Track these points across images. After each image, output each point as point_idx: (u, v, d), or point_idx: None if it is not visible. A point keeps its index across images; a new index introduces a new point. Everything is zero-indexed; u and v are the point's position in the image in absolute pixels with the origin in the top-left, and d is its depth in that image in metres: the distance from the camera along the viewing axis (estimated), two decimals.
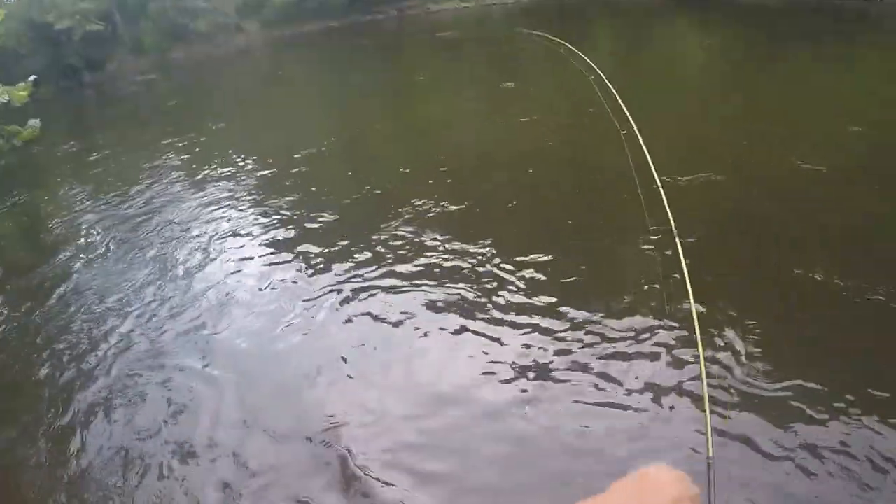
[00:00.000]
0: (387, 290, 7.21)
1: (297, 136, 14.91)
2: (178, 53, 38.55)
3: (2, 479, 5.67)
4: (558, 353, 5.60)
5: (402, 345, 6.23)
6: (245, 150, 14.56)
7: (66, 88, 34.13)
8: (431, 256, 7.75)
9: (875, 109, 11.09)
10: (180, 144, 16.22)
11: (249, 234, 9.63)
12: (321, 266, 8.10)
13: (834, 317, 5.64)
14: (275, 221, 9.93)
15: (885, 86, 12.62)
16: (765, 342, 5.28)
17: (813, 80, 13.84)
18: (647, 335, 5.61)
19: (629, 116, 7.81)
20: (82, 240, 10.84)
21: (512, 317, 6.28)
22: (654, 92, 13.75)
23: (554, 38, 13.29)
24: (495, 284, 6.88)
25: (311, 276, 7.91)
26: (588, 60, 10.44)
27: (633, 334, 5.66)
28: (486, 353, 5.79)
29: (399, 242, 8.26)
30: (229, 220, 10.31)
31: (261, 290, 7.83)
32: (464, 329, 6.23)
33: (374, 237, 8.51)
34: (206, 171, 13.37)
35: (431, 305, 6.72)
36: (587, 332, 5.79)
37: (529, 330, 6.00)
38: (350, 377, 5.87)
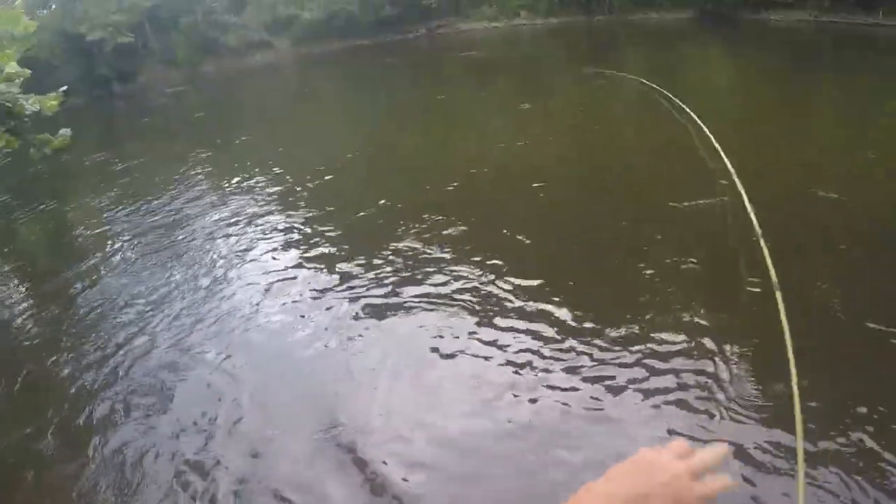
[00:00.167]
0: (420, 303, 7.42)
1: (318, 151, 15.29)
2: (208, 67, 39.44)
3: (24, 472, 5.98)
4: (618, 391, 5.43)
5: (431, 358, 6.38)
6: (268, 163, 14.96)
7: (97, 99, 35.01)
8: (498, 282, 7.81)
9: None
10: (206, 156, 16.68)
11: (268, 245, 9.94)
12: (337, 276, 8.35)
13: None
14: (293, 233, 10.27)
15: None
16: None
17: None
18: (743, 401, 5.01)
19: (721, 152, 7.81)
20: (107, 246, 11.24)
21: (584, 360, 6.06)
22: (728, 120, 13.01)
23: (626, 75, 12.89)
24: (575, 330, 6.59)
25: (326, 284, 8.17)
26: (678, 101, 10.50)
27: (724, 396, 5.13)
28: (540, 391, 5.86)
29: (445, 257, 8.54)
30: (249, 231, 10.65)
31: (278, 298, 8.11)
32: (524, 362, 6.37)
33: (409, 252, 8.75)
34: (229, 183, 13.78)
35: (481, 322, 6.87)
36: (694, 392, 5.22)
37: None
38: (373, 386, 6.10)
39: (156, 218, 12.28)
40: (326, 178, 13.01)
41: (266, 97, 29.07)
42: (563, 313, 6.58)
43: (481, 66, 26.69)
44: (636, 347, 5.85)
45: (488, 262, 7.95)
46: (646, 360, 5.67)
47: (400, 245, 8.88)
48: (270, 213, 11.42)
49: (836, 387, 4.98)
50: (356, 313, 7.35)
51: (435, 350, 6.41)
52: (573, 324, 6.35)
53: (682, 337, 5.86)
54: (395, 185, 12.02)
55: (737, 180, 7.13)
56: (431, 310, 7.12)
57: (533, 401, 5.38)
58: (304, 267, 8.91)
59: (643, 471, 1.00)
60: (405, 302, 7.42)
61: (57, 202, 15.64)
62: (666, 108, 11.43)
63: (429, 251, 8.59)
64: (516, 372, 5.81)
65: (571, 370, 5.68)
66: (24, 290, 10.54)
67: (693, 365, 5.46)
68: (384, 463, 5.02)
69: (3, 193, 17.35)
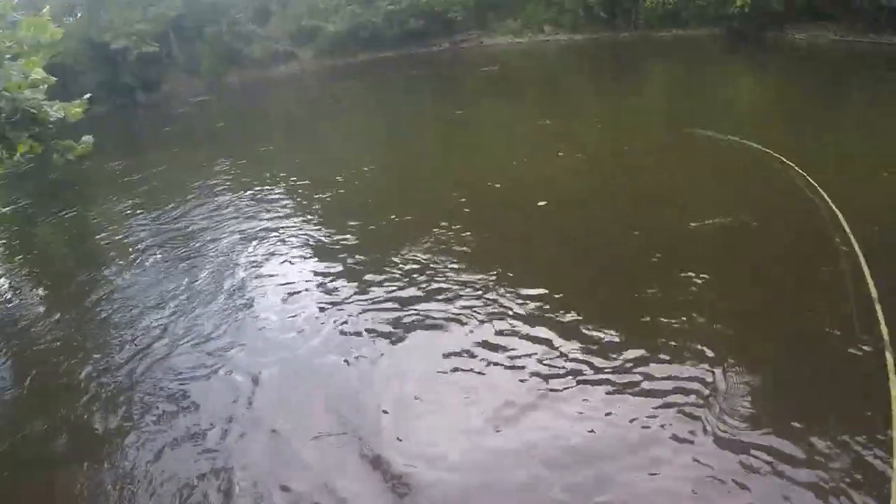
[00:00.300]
0: (430, 312, 7.62)
1: (335, 163, 15.58)
2: (232, 77, 39.95)
3: (38, 470, 6.16)
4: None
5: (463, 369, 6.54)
6: (286, 174, 15.34)
7: (121, 107, 35.59)
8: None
9: None
10: (225, 166, 17.00)
11: (283, 253, 10.23)
12: (351, 286, 8.62)
13: None
14: (308, 243, 10.55)
15: None
16: None
17: None
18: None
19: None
20: (125, 252, 11.54)
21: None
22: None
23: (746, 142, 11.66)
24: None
25: (341, 294, 8.44)
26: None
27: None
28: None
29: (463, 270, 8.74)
30: (265, 240, 10.91)
31: (293, 305, 8.41)
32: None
33: (428, 265, 8.97)
34: (247, 193, 14.09)
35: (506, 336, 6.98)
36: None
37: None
38: (386, 391, 6.28)
39: (173, 225, 12.59)
40: (342, 190, 13.27)
41: (288, 108, 29.47)
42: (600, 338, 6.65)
43: (503, 80, 26.86)
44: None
45: (504, 276, 8.16)
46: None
47: (413, 256, 9.12)
48: (286, 223, 11.65)
49: None
50: (372, 320, 7.63)
51: (448, 357, 6.64)
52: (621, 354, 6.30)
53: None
54: (410, 198, 12.30)
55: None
56: (444, 319, 7.37)
57: (547, 414, 5.59)
58: (319, 276, 9.16)
59: None
60: (418, 311, 7.66)
61: (77, 208, 16.00)
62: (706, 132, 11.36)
63: (441, 263, 8.82)
64: (526, 382, 6.04)
65: (609, 390, 5.80)
66: (43, 292, 10.86)
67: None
68: (402, 465, 5.24)
69: (24, 198, 17.79)
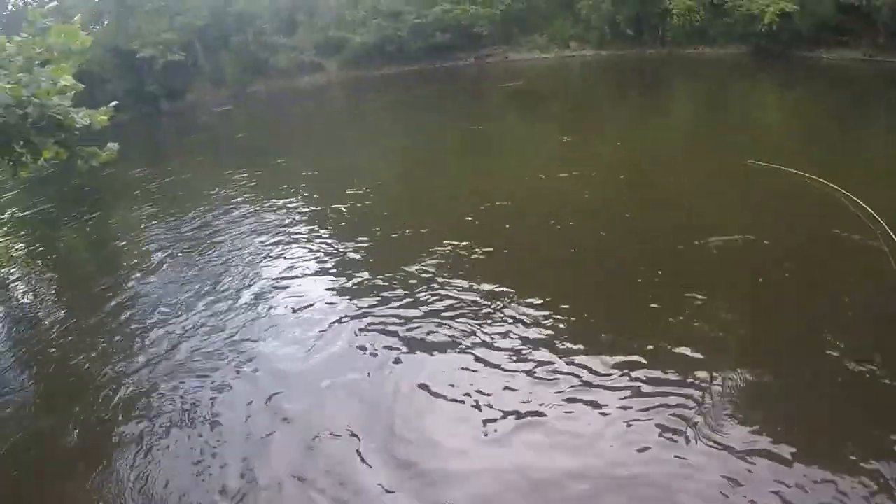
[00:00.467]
0: (444, 322, 7.90)
1: (354, 175, 15.83)
2: (257, 87, 40.42)
3: (45, 468, 6.44)
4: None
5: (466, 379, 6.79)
6: (305, 185, 15.84)
7: (146, 115, 36.18)
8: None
9: None
10: (246, 175, 17.43)
11: (299, 265, 10.55)
12: (363, 298, 8.92)
13: None
14: (323, 254, 10.86)
15: None
16: None
17: None
18: None
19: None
20: (145, 257, 11.97)
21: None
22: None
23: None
24: None
25: (353, 305, 8.75)
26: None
27: None
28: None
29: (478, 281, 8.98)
30: (281, 251, 11.26)
31: (306, 314, 8.74)
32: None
33: (441, 279, 9.27)
34: (263, 202, 14.49)
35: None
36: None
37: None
38: (399, 401, 6.53)
39: (190, 232, 13.01)
40: (359, 203, 13.49)
41: (311, 118, 29.85)
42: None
43: (526, 96, 27.03)
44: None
45: (520, 291, 8.38)
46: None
47: (425, 268, 9.43)
48: (305, 233, 12.01)
49: None
50: (386, 330, 7.93)
51: (464, 370, 6.88)
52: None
53: None
54: (426, 211, 12.61)
55: None
56: (455, 328, 7.66)
57: (561, 424, 5.87)
58: (336, 285, 9.57)
59: None
60: (429, 321, 7.95)
61: (99, 213, 16.46)
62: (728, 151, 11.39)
63: (453, 274, 9.11)
64: (534, 394, 6.31)
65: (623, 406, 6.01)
66: (64, 296, 11.21)
67: None
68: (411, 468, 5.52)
69: (46, 203, 18.29)
